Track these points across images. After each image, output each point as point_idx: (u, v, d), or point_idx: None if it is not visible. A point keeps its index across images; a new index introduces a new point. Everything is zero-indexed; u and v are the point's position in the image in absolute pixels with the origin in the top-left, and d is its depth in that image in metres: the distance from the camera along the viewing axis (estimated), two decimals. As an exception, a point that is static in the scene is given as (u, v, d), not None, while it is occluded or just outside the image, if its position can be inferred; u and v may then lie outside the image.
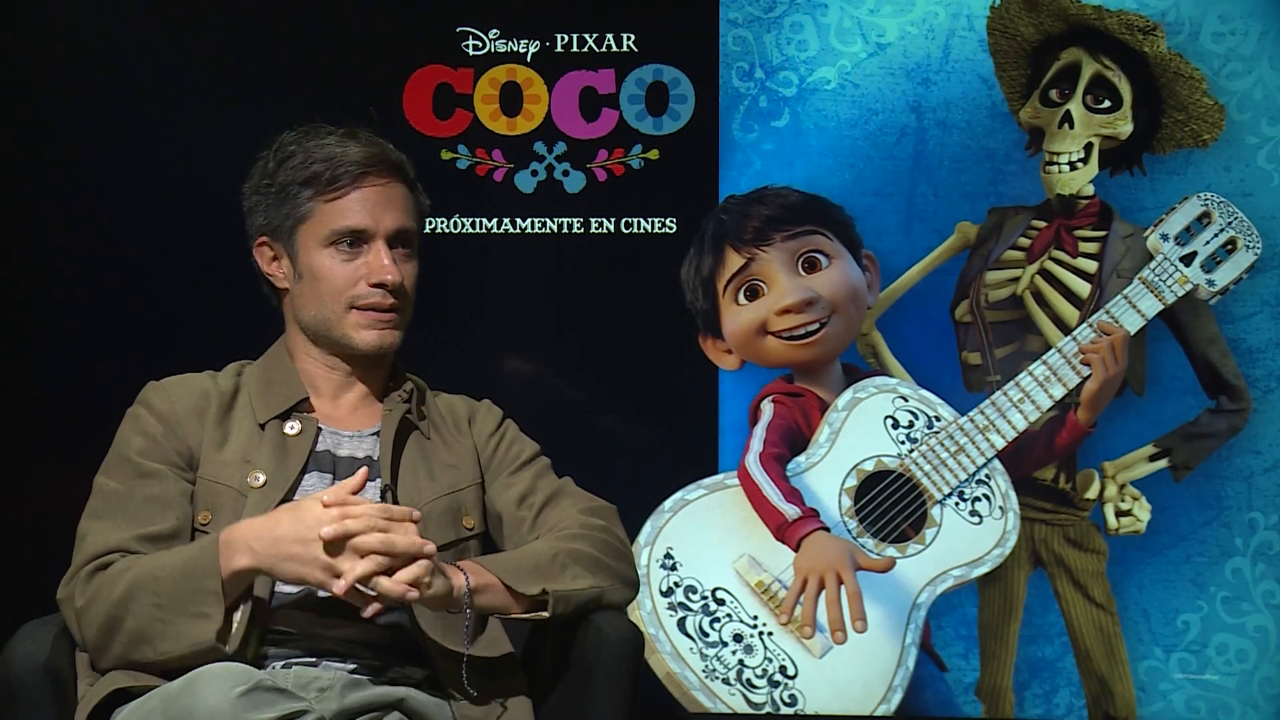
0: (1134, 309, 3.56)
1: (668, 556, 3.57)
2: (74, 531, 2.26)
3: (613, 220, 3.63)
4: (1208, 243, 3.56)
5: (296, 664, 2.21)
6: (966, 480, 3.58)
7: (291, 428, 2.31)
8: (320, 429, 2.34)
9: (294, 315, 2.37)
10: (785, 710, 3.53)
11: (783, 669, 3.53)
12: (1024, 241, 3.62)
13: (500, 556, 2.28)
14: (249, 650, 2.20)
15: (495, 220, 3.63)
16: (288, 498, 2.28)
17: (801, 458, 3.59)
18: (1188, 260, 3.56)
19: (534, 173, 3.63)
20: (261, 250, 2.38)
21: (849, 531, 3.55)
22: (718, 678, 3.54)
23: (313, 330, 2.35)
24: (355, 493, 2.17)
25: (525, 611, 2.24)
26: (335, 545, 2.11)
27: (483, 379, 3.51)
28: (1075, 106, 3.59)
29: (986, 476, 3.58)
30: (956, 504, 3.57)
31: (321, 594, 2.26)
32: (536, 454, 2.45)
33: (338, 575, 2.11)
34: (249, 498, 2.27)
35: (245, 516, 2.26)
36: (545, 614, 2.23)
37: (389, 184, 2.34)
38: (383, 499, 2.30)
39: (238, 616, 2.16)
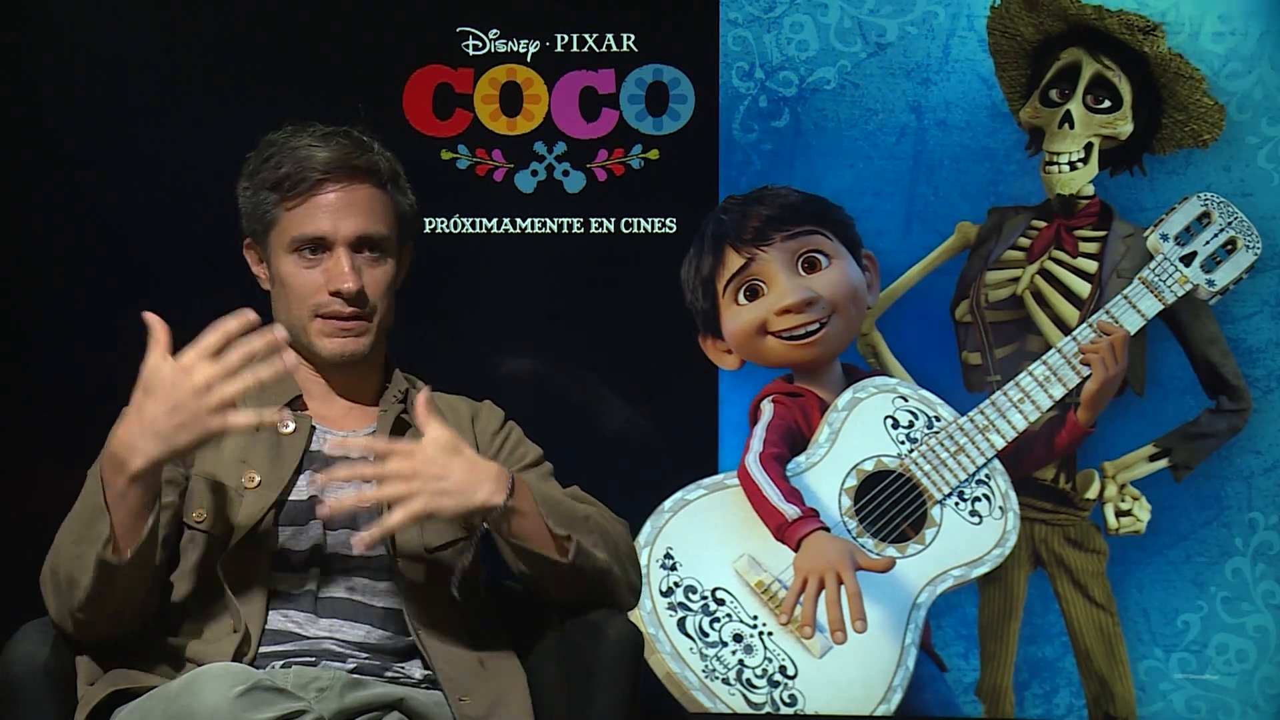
0: (1134, 309, 3.56)
1: (667, 556, 3.56)
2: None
3: (613, 220, 3.62)
4: (1208, 243, 3.55)
5: (296, 664, 2.21)
6: (966, 480, 3.57)
7: (286, 427, 2.31)
8: (314, 428, 2.34)
9: (276, 318, 2.37)
10: (785, 710, 3.53)
11: (783, 669, 3.53)
12: (1024, 241, 3.62)
13: (537, 490, 2.26)
14: (249, 650, 2.21)
15: (495, 220, 3.63)
16: (282, 498, 2.28)
17: (801, 458, 3.59)
18: (1188, 260, 3.56)
19: (534, 173, 3.63)
20: (249, 252, 2.39)
21: (849, 531, 3.55)
22: (718, 678, 3.54)
23: (289, 335, 2.35)
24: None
25: (549, 550, 2.22)
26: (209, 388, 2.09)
27: (483, 379, 3.51)
28: (1075, 106, 3.59)
29: (986, 476, 3.58)
30: (956, 504, 3.57)
31: (321, 594, 2.27)
32: (540, 458, 2.45)
33: (229, 410, 2.08)
34: (244, 497, 2.27)
35: (240, 516, 2.26)
36: (565, 559, 2.22)
37: (350, 187, 2.31)
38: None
39: (149, 522, 2.13)
